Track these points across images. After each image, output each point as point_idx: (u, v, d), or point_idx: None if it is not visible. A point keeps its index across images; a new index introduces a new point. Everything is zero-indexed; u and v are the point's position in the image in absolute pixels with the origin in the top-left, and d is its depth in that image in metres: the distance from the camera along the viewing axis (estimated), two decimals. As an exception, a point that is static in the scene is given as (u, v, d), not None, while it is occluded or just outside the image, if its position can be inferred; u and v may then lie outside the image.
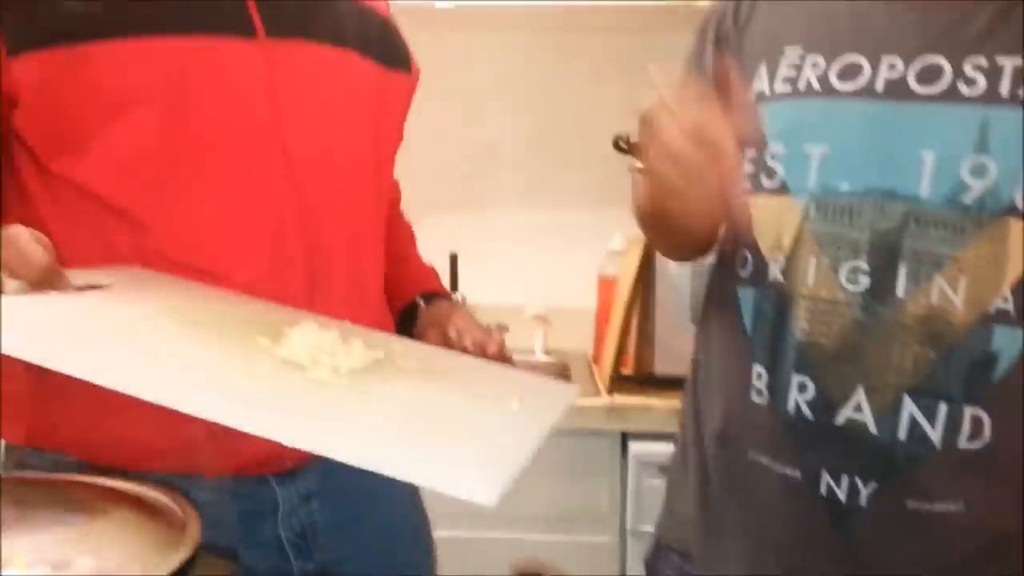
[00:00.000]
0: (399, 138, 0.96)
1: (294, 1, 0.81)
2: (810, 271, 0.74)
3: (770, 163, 0.77)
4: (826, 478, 0.74)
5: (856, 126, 0.74)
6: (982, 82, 0.70)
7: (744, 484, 0.81)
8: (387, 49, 0.90)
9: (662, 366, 1.65)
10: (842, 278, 0.73)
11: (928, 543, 0.73)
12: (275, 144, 0.78)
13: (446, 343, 0.86)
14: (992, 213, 0.69)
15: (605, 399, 1.57)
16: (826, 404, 0.74)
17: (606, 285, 1.88)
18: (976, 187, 0.69)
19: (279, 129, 0.78)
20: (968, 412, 0.70)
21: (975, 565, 0.73)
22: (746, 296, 0.79)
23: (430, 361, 0.75)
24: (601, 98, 2.04)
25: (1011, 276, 0.69)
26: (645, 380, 1.65)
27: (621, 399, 1.56)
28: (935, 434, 0.71)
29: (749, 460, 0.79)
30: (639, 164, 0.74)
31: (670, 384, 1.49)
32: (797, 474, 0.76)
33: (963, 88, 0.70)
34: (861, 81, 0.74)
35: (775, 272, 0.76)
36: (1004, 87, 0.69)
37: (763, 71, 0.80)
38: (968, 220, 0.69)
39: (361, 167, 0.86)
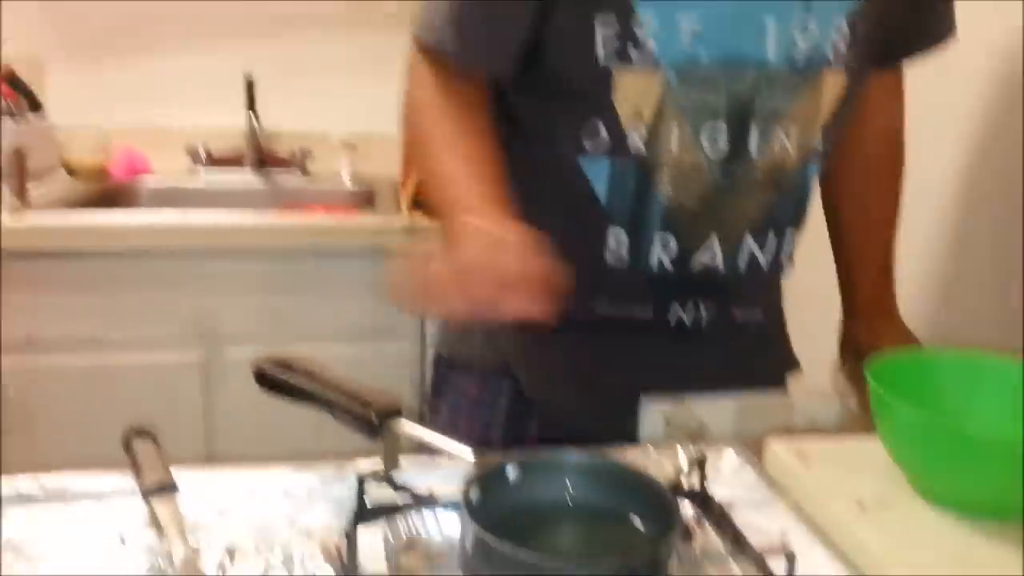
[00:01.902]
0: None
1: None
2: (673, 138, 0.76)
3: (639, 34, 0.75)
4: (676, 311, 0.82)
5: None
6: None
7: (583, 328, 0.84)
8: None
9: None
10: (704, 142, 0.76)
11: (746, 346, 0.85)
12: None
13: None
14: (815, 67, 0.75)
15: (405, 220, 1.58)
16: (685, 255, 0.80)
17: (411, 108, 1.85)
18: (803, 46, 0.74)
19: None
20: (790, 235, 0.83)
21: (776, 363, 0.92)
22: (598, 165, 0.78)
23: None
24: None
25: (822, 121, 0.78)
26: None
27: (420, 220, 1.58)
28: (764, 258, 0.81)
29: (593, 311, 0.83)
30: None
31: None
32: (649, 314, 0.82)
33: None
34: None
35: (636, 142, 0.76)
36: None
37: None
38: (800, 77, 0.75)
39: None
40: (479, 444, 0.53)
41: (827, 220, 0.98)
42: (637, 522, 0.51)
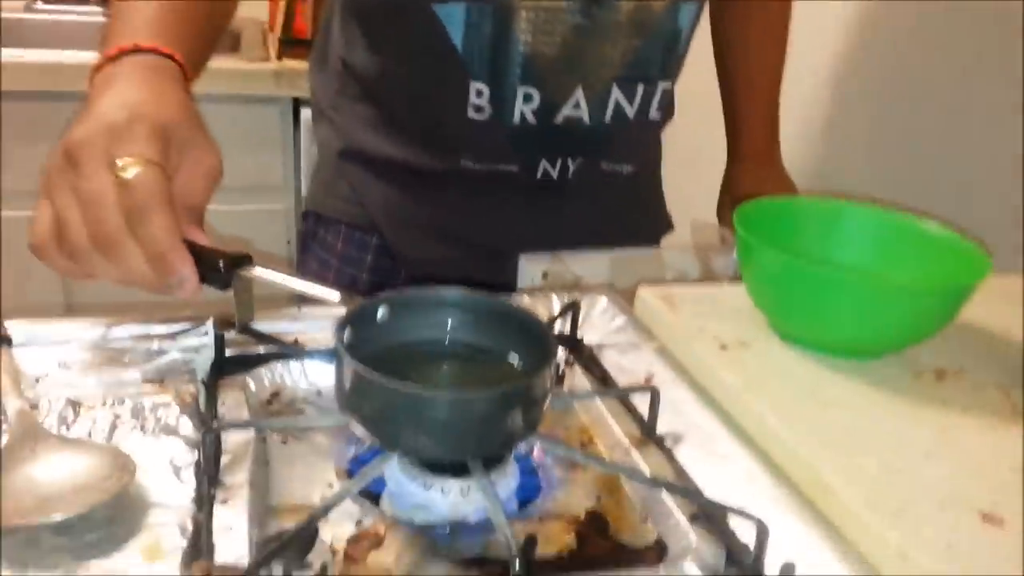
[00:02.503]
0: None
1: None
2: None
3: None
4: (543, 165, 0.80)
5: None
6: None
7: (450, 184, 0.82)
8: None
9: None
10: None
11: (616, 199, 0.85)
12: None
13: None
14: None
15: (274, 64, 1.48)
16: (549, 108, 0.76)
17: (278, -58, 1.70)
18: None
19: None
20: (661, 86, 0.80)
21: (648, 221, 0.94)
22: (453, 12, 0.72)
23: None
24: None
25: None
26: (320, 45, 1.57)
27: (292, 64, 1.47)
28: (631, 110, 0.79)
29: (459, 166, 0.80)
30: None
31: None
32: (514, 168, 0.79)
33: None
34: None
35: None
36: None
37: None
38: None
39: None
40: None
41: (716, 60, 0.97)
42: (514, 359, 0.50)
